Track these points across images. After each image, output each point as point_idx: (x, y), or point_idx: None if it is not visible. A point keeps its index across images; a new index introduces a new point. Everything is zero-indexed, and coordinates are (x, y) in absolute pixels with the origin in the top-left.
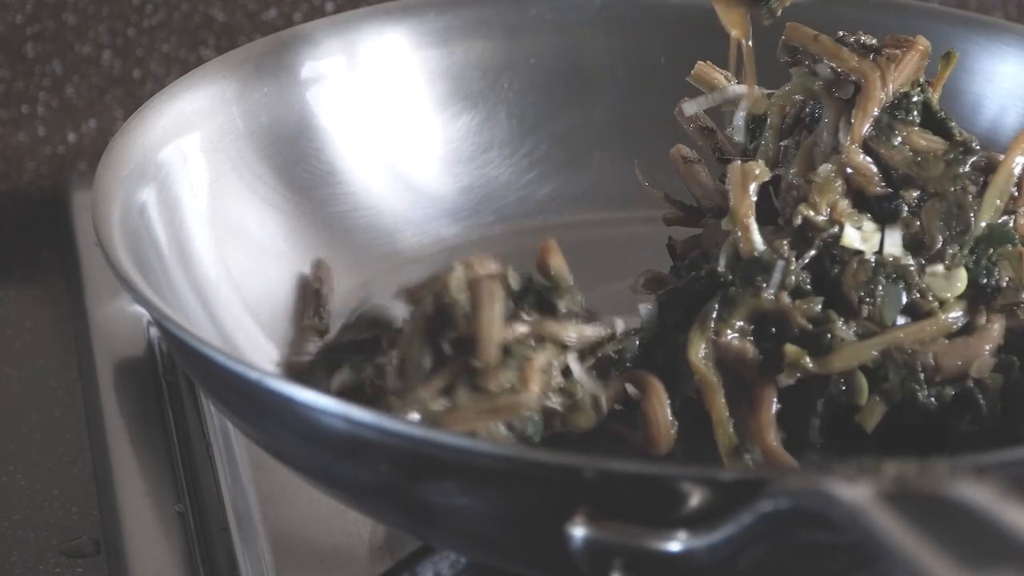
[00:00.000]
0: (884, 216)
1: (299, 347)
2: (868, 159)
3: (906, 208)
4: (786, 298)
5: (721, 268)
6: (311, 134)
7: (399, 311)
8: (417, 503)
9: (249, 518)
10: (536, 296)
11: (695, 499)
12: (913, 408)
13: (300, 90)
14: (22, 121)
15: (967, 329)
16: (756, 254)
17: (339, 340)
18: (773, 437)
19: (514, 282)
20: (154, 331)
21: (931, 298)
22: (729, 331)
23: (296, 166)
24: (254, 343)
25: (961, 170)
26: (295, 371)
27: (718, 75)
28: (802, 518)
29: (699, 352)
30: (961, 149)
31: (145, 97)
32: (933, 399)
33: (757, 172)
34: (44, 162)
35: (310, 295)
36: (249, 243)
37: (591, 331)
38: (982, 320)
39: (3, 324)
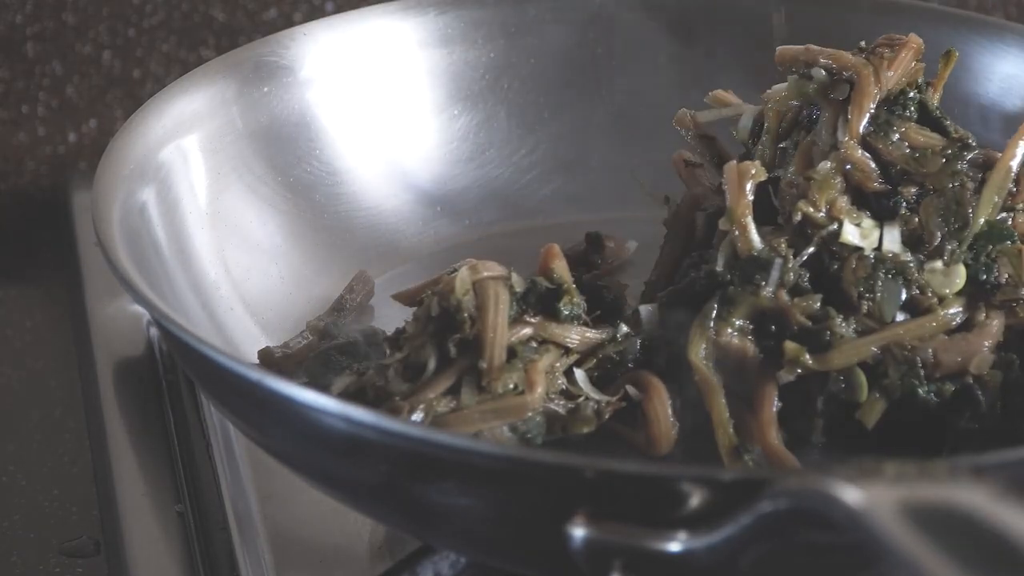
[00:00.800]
0: (883, 213)
1: (288, 340)
2: (867, 155)
3: (904, 205)
4: (785, 296)
5: (720, 268)
6: (311, 134)
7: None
8: (417, 503)
9: (249, 518)
10: (538, 299)
11: (695, 499)
12: (913, 405)
13: (300, 90)
14: (22, 121)
15: (966, 325)
16: (754, 253)
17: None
18: (775, 436)
19: (517, 284)
20: (154, 331)
21: (930, 294)
22: (729, 330)
23: (296, 166)
24: (254, 343)
25: (959, 166)
26: (269, 361)
27: (733, 99)
28: (802, 518)
29: (699, 352)
30: (959, 145)
31: (145, 97)
32: (933, 395)
33: (753, 171)
34: (44, 162)
35: (337, 299)
36: (249, 243)
37: (593, 334)
38: (981, 316)
39: (3, 324)
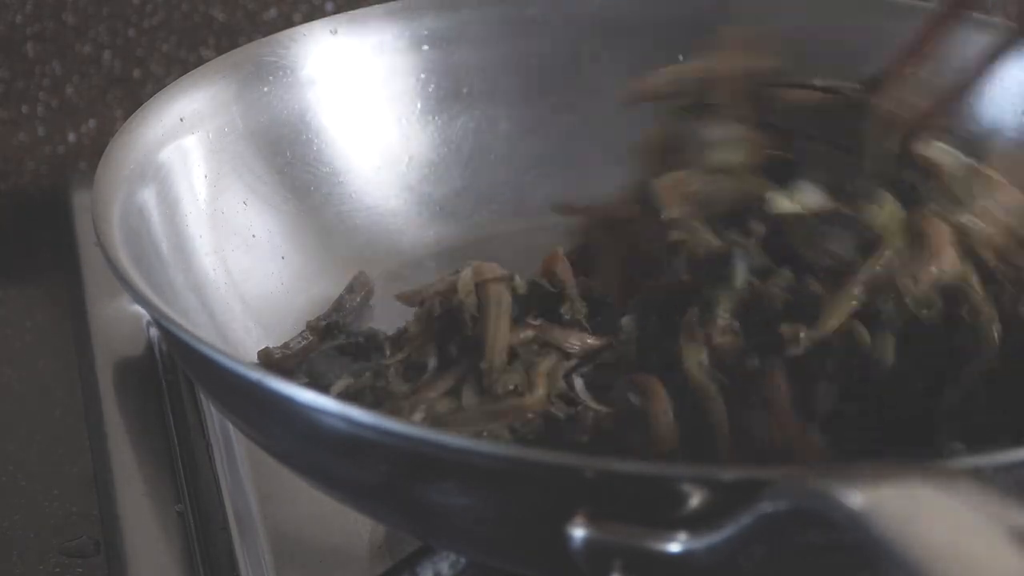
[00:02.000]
0: (792, 174)
1: (288, 340)
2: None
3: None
4: (757, 282)
5: (685, 276)
6: (311, 134)
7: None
8: (417, 503)
9: (249, 518)
10: (540, 302)
11: (695, 499)
12: (918, 330)
13: (300, 90)
14: (22, 121)
15: (920, 241)
16: (714, 251)
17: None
18: (792, 421)
19: (519, 287)
20: (154, 331)
21: (876, 229)
22: (718, 331)
23: (296, 166)
24: (255, 344)
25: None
26: (269, 361)
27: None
28: (802, 519)
29: (694, 360)
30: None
31: (145, 97)
32: (926, 311)
33: (682, 182)
34: (44, 162)
35: (337, 299)
36: (249, 243)
37: (592, 340)
38: (929, 228)
39: (3, 324)
